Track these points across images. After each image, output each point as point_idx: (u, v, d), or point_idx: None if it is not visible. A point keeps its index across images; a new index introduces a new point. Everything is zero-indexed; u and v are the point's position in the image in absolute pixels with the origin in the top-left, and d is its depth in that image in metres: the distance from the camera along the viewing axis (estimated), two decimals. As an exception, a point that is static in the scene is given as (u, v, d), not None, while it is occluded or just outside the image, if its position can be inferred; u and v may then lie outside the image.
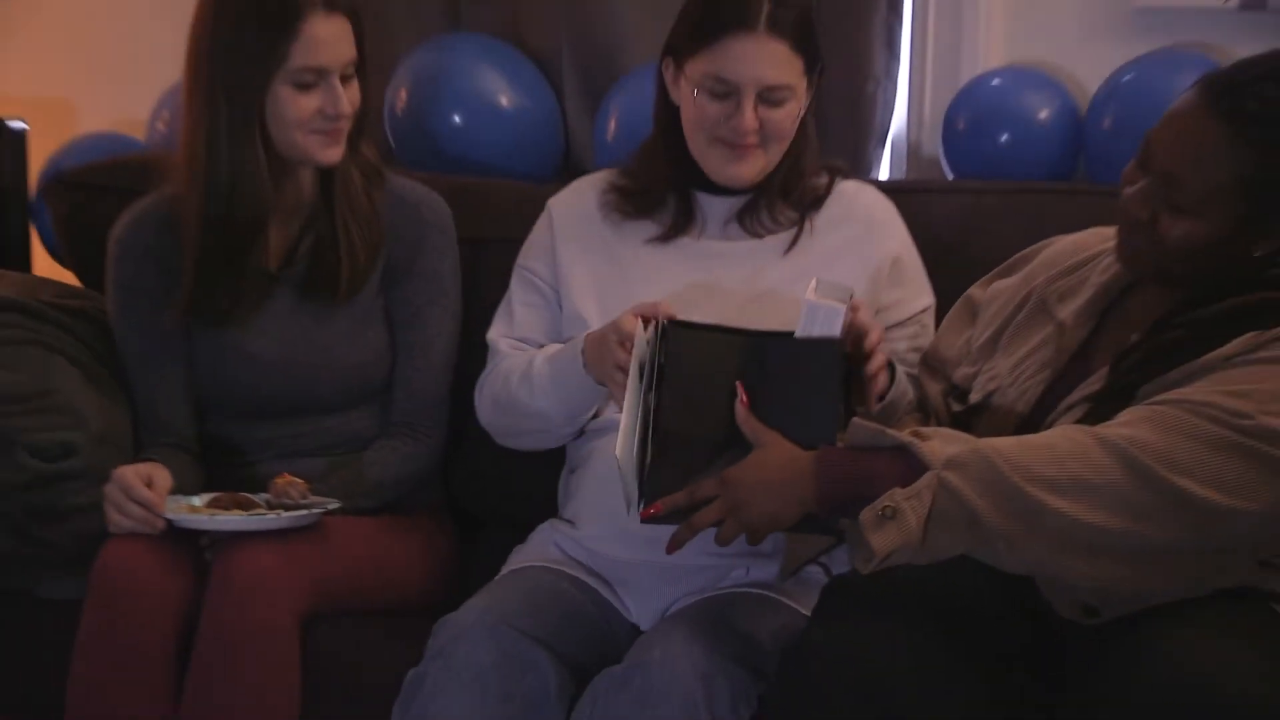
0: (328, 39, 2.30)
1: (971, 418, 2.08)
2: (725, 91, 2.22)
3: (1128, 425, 1.81)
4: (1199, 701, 1.68)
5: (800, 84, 2.23)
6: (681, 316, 2.18)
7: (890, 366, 2.13)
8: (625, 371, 2.08)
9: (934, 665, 1.88)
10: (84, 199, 2.81)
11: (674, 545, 1.94)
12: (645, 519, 1.94)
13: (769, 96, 2.21)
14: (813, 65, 2.25)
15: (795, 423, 2.01)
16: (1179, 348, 1.92)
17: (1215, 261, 1.95)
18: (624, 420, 2.03)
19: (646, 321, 2.09)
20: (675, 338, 2.06)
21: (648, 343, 2.09)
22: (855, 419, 1.91)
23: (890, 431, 1.86)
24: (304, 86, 2.29)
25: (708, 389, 2.05)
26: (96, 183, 2.81)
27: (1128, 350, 1.94)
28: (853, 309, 2.04)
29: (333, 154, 2.34)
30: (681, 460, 2.03)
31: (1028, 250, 2.21)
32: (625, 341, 2.09)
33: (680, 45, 2.24)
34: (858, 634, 1.93)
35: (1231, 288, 1.97)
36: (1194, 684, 1.70)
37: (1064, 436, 1.83)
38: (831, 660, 1.90)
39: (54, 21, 3.36)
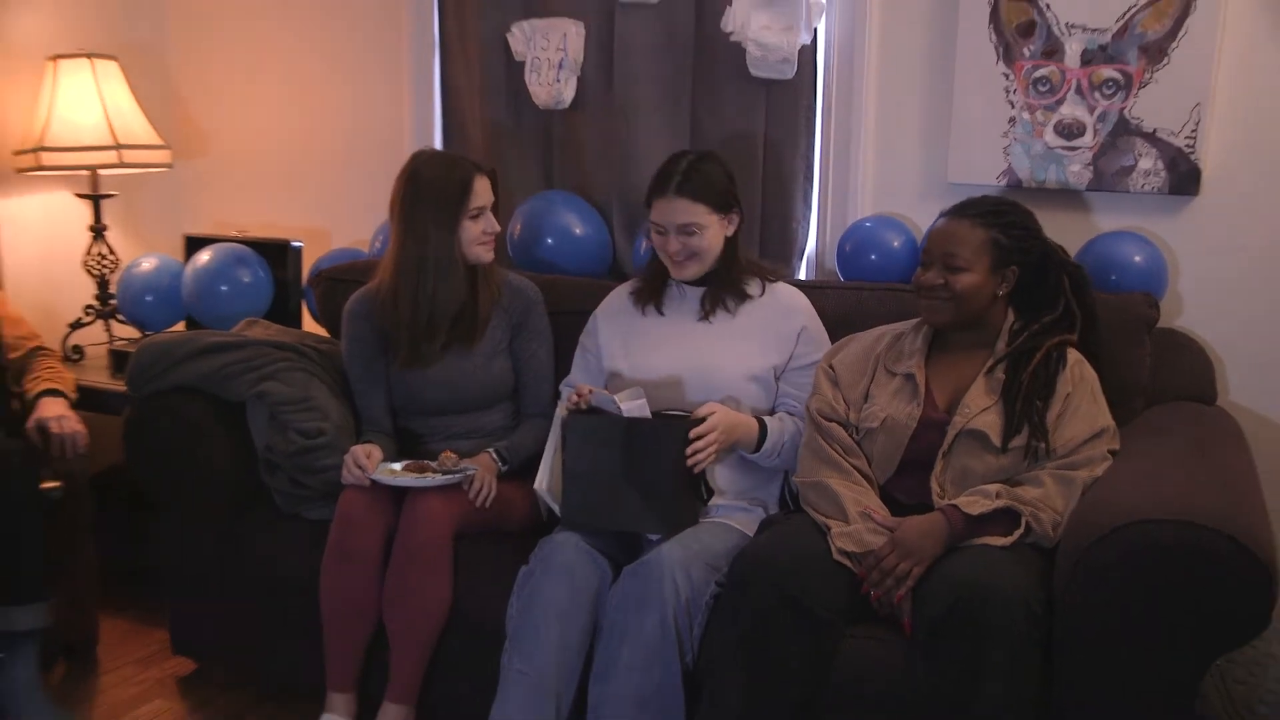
0: (483, 190, 2.45)
1: (869, 436, 2.18)
2: (662, 230, 2.35)
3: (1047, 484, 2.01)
4: (980, 590, 1.82)
5: (710, 220, 2.32)
6: (643, 367, 2.36)
7: (762, 426, 2.29)
8: None
9: (819, 564, 2.01)
10: (331, 286, 2.95)
11: (879, 591, 1.96)
12: (872, 601, 1.97)
13: (684, 230, 2.32)
14: (720, 207, 2.33)
15: (653, 475, 2.15)
16: (1034, 375, 2.09)
17: (982, 300, 2.14)
18: (543, 463, 2.27)
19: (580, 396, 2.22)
20: (572, 423, 2.20)
21: (560, 417, 2.25)
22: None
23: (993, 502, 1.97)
24: (474, 217, 2.44)
25: (600, 448, 2.16)
26: (339, 277, 2.95)
27: (1009, 384, 2.10)
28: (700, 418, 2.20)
29: (490, 256, 2.49)
30: (589, 488, 2.17)
31: (844, 339, 2.35)
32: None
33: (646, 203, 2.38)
34: (775, 547, 2.07)
35: (996, 323, 2.17)
36: (978, 580, 1.84)
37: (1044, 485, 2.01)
38: (757, 560, 2.03)
39: (320, 181, 3.50)
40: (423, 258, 2.41)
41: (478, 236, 2.44)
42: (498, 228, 2.47)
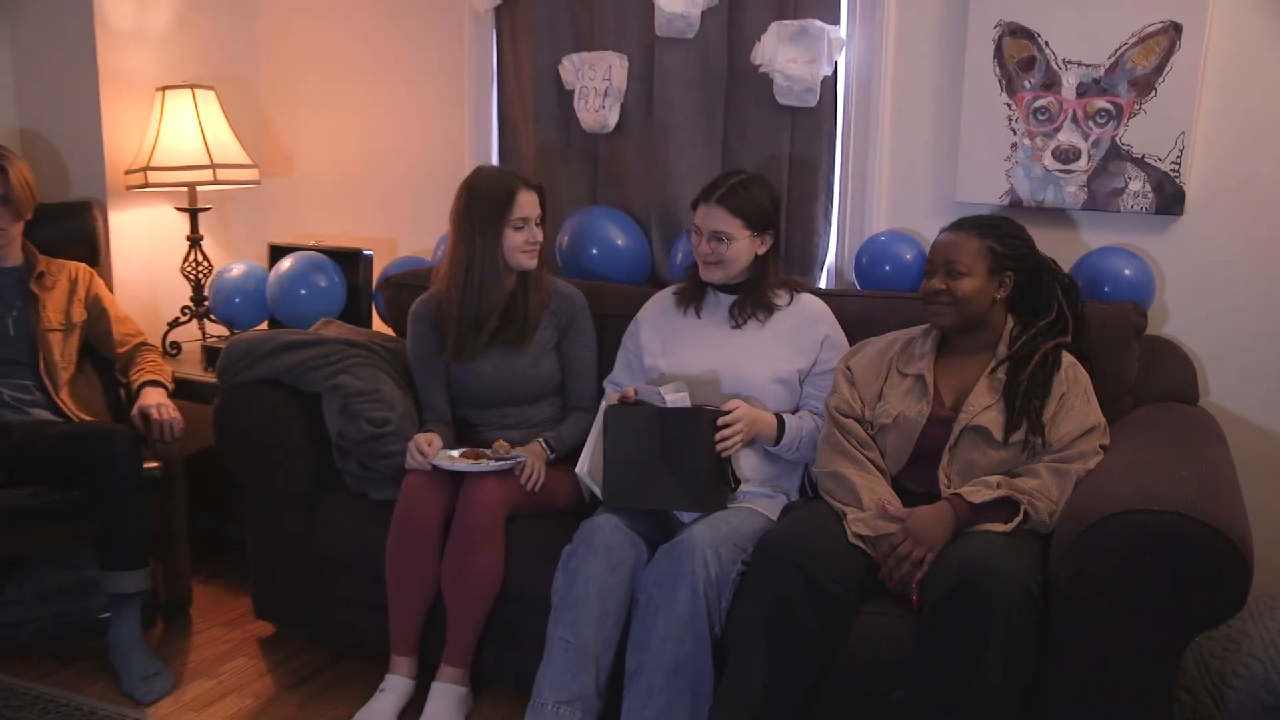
0: (528, 203, 2.47)
1: (882, 432, 2.19)
2: (698, 232, 2.38)
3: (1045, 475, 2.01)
4: (983, 572, 1.83)
5: (741, 234, 2.34)
6: (680, 365, 2.38)
7: (781, 422, 2.30)
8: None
9: (835, 547, 2.03)
10: (397, 291, 2.96)
11: (897, 575, 1.98)
12: (889, 585, 1.98)
13: (716, 236, 2.35)
14: (754, 225, 2.35)
15: (687, 458, 2.15)
16: (1031, 376, 2.08)
17: (982, 303, 2.15)
18: (585, 450, 2.31)
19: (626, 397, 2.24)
20: (612, 413, 2.21)
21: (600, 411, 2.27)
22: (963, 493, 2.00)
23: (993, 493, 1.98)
24: (517, 228, 2.46)
25: (638, 435, 2.17)
26: (403, 282, 2.95)
27: (1009, 383, 2.09)
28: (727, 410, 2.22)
29: (533, 263, 2.50)
30: (628, 471, 2.17)
31: (860, 344, 2.36)
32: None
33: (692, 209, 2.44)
34: (795, 530, 2.09)
35: (997, 329, 2.17)
36: (981, 563, 1.85)
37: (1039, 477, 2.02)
38: (779, 543, 2.05)
39: (389, 197, 3.52)
40: (471, 259, 2.45)
41: (520, 245, 2.47)
42: (540, 238, 2.49)
